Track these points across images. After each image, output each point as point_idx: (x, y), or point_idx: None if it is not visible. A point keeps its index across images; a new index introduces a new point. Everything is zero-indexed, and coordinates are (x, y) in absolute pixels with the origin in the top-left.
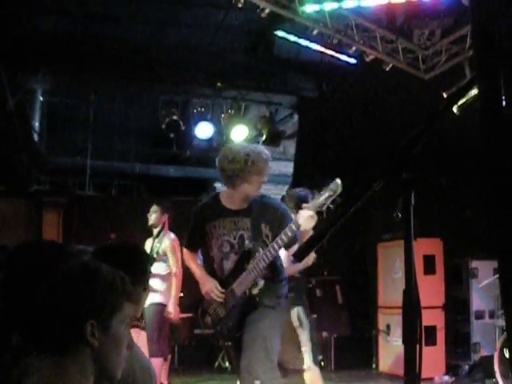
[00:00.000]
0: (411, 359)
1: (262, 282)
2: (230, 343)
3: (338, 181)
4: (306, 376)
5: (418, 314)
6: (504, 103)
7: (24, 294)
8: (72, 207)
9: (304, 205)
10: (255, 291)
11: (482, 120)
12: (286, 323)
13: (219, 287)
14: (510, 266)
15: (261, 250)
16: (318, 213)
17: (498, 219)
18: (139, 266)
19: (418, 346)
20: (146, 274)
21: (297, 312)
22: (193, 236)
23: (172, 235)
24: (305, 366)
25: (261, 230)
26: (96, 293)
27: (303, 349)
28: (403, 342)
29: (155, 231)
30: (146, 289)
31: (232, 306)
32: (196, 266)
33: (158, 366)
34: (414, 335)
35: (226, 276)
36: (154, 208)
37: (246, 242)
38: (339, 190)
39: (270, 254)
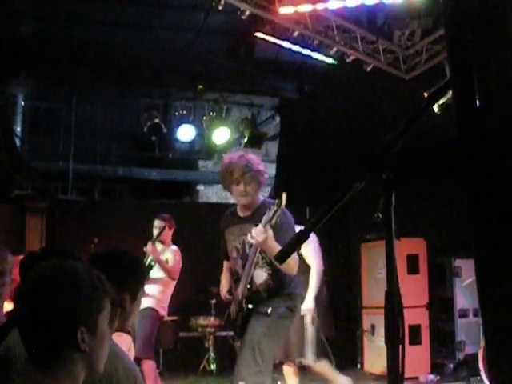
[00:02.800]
0: (394, 359)
1: (264, 295)
2: (240, 343)
3: (283, 195)
4: (318, 367)
5: (399, 315)
6: (477, 104)
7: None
8: (54, 212)
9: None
10: (257, 301)
11: (458, 122)
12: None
13: (227, 288)
14: (486, 262)
15: (253, 253)
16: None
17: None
18: (137, 276)
19: (400, 346)
20: (137, 283)
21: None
22: (220, 245)
23: (174, 247)
24: (309, 361)
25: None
26: (82, 299)
27: (307, 344)
28: (385, 342)
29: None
30: (135, 297)
31: (238, 308)
32: (224, 275)
33: (153, 368)
34: (397, 336)
35: (236, 280)
36: (158, 223)
37: (246, 246)
38: (283, 204)
39: (251, 261)
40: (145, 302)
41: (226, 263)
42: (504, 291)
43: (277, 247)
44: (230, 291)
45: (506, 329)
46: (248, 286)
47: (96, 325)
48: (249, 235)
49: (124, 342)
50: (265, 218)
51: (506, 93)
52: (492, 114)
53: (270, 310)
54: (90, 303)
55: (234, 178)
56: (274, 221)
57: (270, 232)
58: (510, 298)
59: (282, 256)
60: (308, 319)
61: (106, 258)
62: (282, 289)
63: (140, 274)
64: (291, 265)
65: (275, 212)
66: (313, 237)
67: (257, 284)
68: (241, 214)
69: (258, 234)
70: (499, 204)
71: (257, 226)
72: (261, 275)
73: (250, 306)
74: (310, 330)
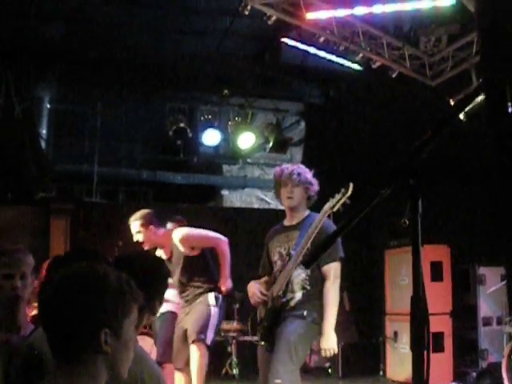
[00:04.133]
0: (419, 366)
1: (299, 294)
2: (263, 343)
3: (351, 184)
4: None
5: (425, 321)
6: (510, 109)
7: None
8: (79, 214)
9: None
10: (292, 304)
11: (489, 126)
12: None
13: (261, 290)
14: None
15: (297, 256)
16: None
17: (504, 225)
18: (161, 280)
19: (425, 352)
20: (165, 288)
21: None
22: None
23: None
24: None
25: (307, 242)
26: (108, 301)
27: None
28: (411, 348)
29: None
30: (161, 301)
31: (269, 307)
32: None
33: (173, 372)
34: (422, 342)
35: (272, 282)
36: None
37: (291, 251)
38: (349, 192)
39: (296, 257)
40: (165, 306)
41: (264, 279)
42: None
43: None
44: (261, 293)
45: None
46: (285, 285)
47: (121, 328)
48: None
49: (146, 346)
50: (328, 204)
51: None
52: None
53: (305, 313)
54: (116, 306)
55: (282, 180)
56: (336, 208)
57: None
58: None
59: (309, 260)
60: None
61: (131, 262)
62: (318, 292)
63: (165, 278)
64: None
65: (339, 199)
66: None
67: (294, 283)
68: (286, 223)
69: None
70: None
71: (303, 233)
72: (299, 275)
73: (286, 307)
74: None
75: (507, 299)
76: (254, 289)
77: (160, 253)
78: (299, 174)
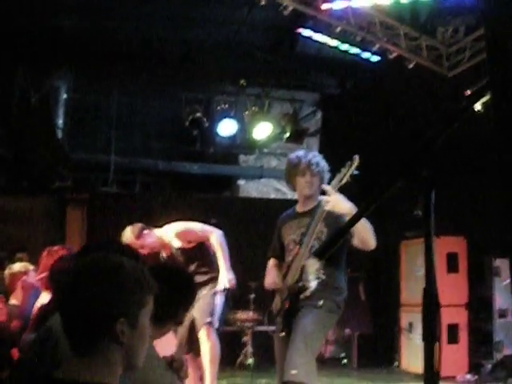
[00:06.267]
0: (431, 357)
1: (314, 283)
2: (283, 334)
3: (356, 156)
4: None
5: (437, 312)
6: None
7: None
8: (95, 204)
9: (323, 186)
10: (307, 293)
11: (495, 119)
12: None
13: (277, 280)
14: None
15: (309, 242)
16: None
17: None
18: (190, 292)
19: (437, 344)
20: (193, 300)
21: None
22: (272, 241)
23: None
24: None
25: (316, 226)
26: (125, 291)
27: None
28: (423, 339)
29: None
30: (187, 310)
31: (285, 297)
32: (269, 270)
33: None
34: (434, 333)
35: (286, 271)
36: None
37: (304, 237)
38: (355, 164)
39: (306, 245)
40: None
41: (272, 261)
42: None
43: (351, 206)
44: (275, 284)
45: None
46: (299, 274)
47: (137, 319)
48: (323, 199)
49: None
50: (336, 178)
51: None
52: None
53: (321, 303)
54: (133, 296)
55: (300, 169)
56: (344, 180)
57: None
58: None
59: (322, 251)
60: None
61: (163, 276)
62: (332, 281)
63: (188, 289)
64: (367, 234)
65: (346, 172)
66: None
67: (308, 272)
68: (299, 209)
69: (328, 199)
70: None
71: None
72: (313, 264)
73: (301, 296)
74: None
75: None
76: (269, 279)
77: (163, 254)
78: (317, 164)
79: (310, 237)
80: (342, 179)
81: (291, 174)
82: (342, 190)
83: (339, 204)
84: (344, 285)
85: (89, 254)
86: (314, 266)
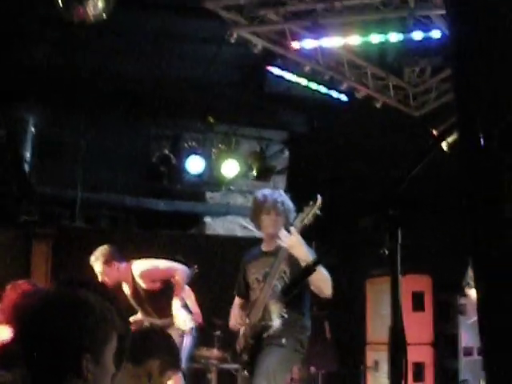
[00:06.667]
0: None
1: (277, 322)
2: (246, 373)
3: (319, 196)
4: None
5: (403, 351)
6: (482, 143)
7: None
8: (61, 238)
9: (288, 226)
10: (271, 332)
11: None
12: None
13: (242, 319)
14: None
15: (271, 281)
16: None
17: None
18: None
19: (403, 382)
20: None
21: None
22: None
23: None
24: None
25: (279, 266)
26: (90, 326)
27: None
28: (389, 378)
29: None
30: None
31: (248, 336)
32: (233, 309)
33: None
34: (400, 372)
35: (249, 310)
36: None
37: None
38: (318, 204)
39: (269, 285)
40: None
41: (237, 299)
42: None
43: (307, 251)
44: (239, 323)
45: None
46: (261, 313)
47: (101, 355)
48: (282, 235)
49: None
50: (298, 218)
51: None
52: (493, 156)
53: (284, 341)
54: (98, 332)
55: (266, 207)
56: (306, 221)
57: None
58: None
59: (287, 290)
60: None
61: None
62: (295, 320)
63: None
64: (323, 284)
65: (309, 212)
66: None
67: (271, 311)
68: (264, 248)
69: (287, 236)
70: (495, 247)
71: (279, 258)
72: (276, 303)
73: (264, 335)
74: None
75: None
76: (233, 320)
77: (125, 288)
78: (283, 203)
79: (272, 276)
80: (304, 219)
81: (256, 212)
82: (304, 230)
83: (296, 247)
84: (308, 323)
85: (54, 289)
86: (276, 306)
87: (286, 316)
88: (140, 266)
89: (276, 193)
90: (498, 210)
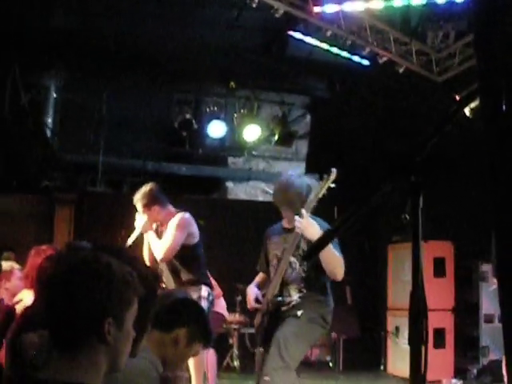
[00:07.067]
0: (417, 361)
1: (296, 298)
2: (261, 349)
3: (333, 169)
4: None
5: (424, 316)
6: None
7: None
8: (83, 203)
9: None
10: (289, 306)
11: (486, 127)
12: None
13: (258, 295)
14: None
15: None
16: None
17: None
18: (208, 327)
19: (423, 348)
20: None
21: None
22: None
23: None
24: None
25: (299, 244)
26: (113, 290)
27: None
28: (409, 343)
29: None
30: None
31: (264, 313)
32: (252, 285)
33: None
34: (420, 337)
35: (268, 286)
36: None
37: (285, 254)
38: (332, 177)
39: (285, 260)
40: None
41: (258, 276)
42: None
43: (318, 232)
44: (257, 300)
45: None
46: (279, 288)
47: (123, 319)
48: (296, 220)
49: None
50: (313, 193)
51: None
52: None
53: (300, 313)
54: (120, 296)
55: (275, 201)
56: (321, 194)
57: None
58: None
59: (309, 254)
60: None
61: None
62: (315, 295)
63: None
64: (335, 266)
65: (323, 186)
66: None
67: (290, 287)
68: (285, 224)
69: (300, 220)
70: None
71: (299, 236)
72: (295, 279)
73: (282, 309)
74: None
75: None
76: (250, 295)
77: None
78: (278, 195)
79: (289, 252)
80: (318, 193)
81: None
82: (320, 202)
83: (309, 229)
84: (329, 298)
85: (77, 253)
86: (295, 282)
87: (304, 291)
88: (185, 217)
89: (277, 183)
90: None
